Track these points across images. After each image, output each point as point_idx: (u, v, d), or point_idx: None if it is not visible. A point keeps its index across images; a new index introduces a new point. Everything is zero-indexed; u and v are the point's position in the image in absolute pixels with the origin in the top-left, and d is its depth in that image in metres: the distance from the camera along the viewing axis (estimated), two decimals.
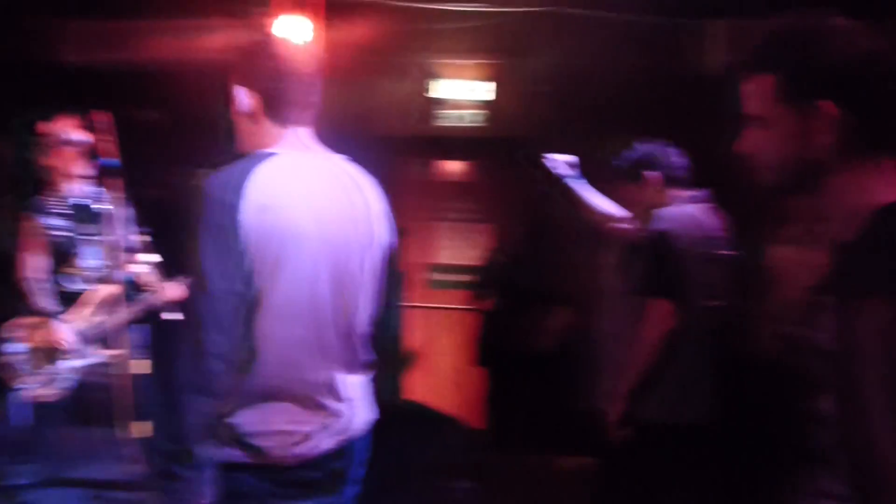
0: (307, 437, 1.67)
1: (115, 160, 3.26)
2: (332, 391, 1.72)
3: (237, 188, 1.58)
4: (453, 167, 5.47)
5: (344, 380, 1.75)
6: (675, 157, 2.82)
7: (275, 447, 1.64)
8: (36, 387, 3.46)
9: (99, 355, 3.53)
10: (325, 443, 1.70)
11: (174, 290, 3.48)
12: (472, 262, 5.14)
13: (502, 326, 4.62)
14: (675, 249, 2.56)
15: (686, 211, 2.70)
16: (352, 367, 1.79)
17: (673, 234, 2.58)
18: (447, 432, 3.93)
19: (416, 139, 4.96)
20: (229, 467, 1.64)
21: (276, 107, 1.74)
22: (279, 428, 1.64)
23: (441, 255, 5.39)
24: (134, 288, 3.53)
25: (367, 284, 1.81)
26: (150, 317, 3.59)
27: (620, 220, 2.90)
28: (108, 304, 3.52)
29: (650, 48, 4.24)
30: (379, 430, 1.86)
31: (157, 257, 3.60)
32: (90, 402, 3.59)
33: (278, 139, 1.75)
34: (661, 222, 2.62)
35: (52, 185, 3.56)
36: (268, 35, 1.85)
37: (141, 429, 3.44)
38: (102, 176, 3.30)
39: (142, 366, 3.52)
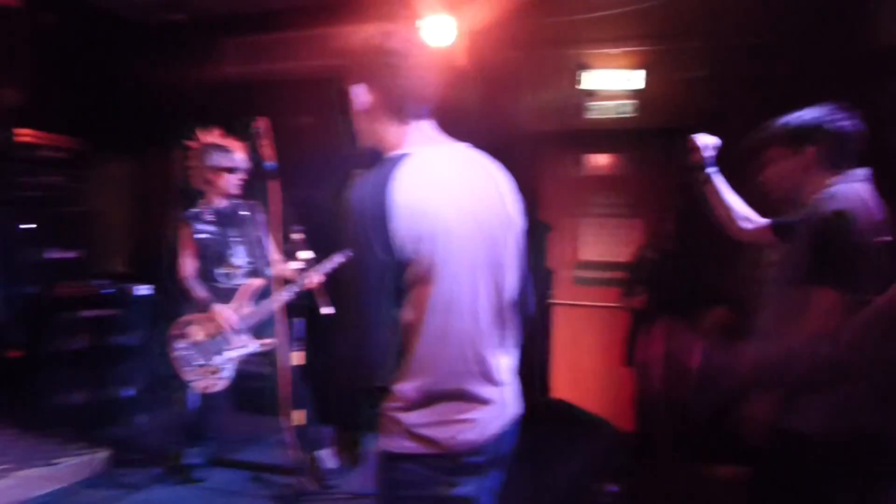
0: (473, 424, 1.68)
1: (273, 163, 3.42)
2: (492, 377, 1.73)
3: (382, 197, 1.56)
4: (602, 160, 5.30)
5: (499, 365, 1.76)
6: (847, 124, 2.43)
7: (445, 436, 1.64)
8: (203, 377, 3.67)
9: (256, 345, 3.72)
10: (489, 428, 1.71)
11: (315, 278, 3.59)
12: (621, 259, 5.00)
13: (652, 325, 4.43)
14: (850, 232, 2.24)
15: (856, 190, 2.36)
16: (505, 352, 1.80)
17: (848, 214, 2.25)
18: (594, 434, 3.88)
19: (564, 133, 4.88)
20: (398, 458, 1.65)
21: (395, 102, 1.71)
22: (448, 418, 1.65)
23: (589, 252, 5.23)
24: (283, 281, 3.69)
25: (513, 269, 1.80)
26: (305, 311, 3.72)
27: (752, 222, 2.70)
28: (260, 296, 3.73)
29: (819, 21, 3.90)
30: (525, 427, 1.87)
31: (310, 253, 3.72)
32: (250, 390, 3.84)
33: (404, 136, 1.72)
34: (834, 201, 2.29)
35: (207, 197, 3.84)
36: (385, 31, 1.72)
37: (297, 416, 3.58)
38: (261, 178, 3.43)
39: (297, 357, 3.66)
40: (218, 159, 3.78)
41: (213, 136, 3.84)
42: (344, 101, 1.77)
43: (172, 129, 3.97)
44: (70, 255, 5.43)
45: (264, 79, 5.21)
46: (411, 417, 1.64)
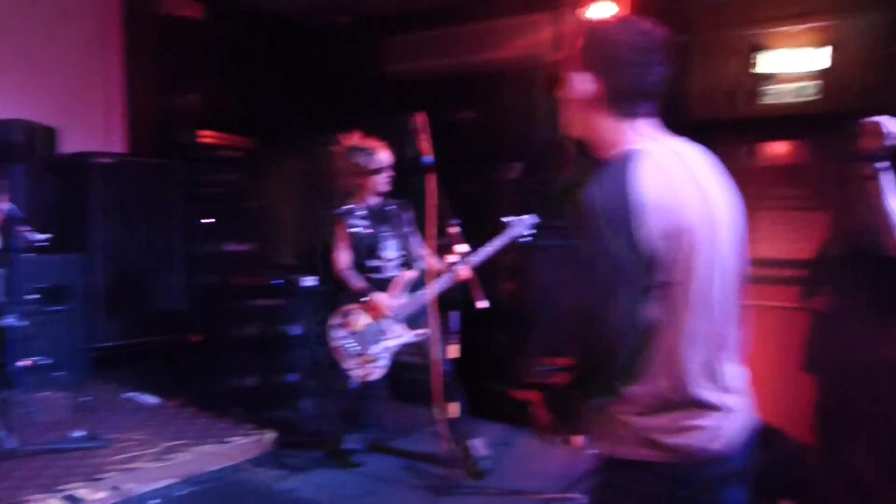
0: (710, 431, 1.61)
1: (430, 157, 3.52)
2: (726, 383, 1.66)
3: (625, 194, 1.51)
4: (779, 149, 4.88)
5: (732, 370, 1.70)
6: None
7: (680, 444, 1.58)
8: (361, 366, 3.78)
9: (411, 335, 3.81)
10: (726, 438, 1.64)
11: (464, 271, 3.67)
12: (800, 256, 4.63)
13: (837, 329, 4.08)
14: None
15: None
16: (739, 357, 1.73)
17: None
18: (770, 444, 3.68)
19: (737, 120, 4.66)
20: (627, 465, 1.59)
21: (623, 97, 1.63)
22: (684, 424, 1.59)
23: (764, 248, 4.84)
24: (435, 274, 3.78)
25: (739, 267, 1.74)
26: (460, 304, 3.84)
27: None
28: (412, 288, 3.83)
29: None
30: None
31: (466, 247, 3.79)
32: (405, 380, 3.94)
33: (625, 131, 1.65)
34: None
35: (358, 196, 3.98)
36: (618, 17, 1.68)
37: (450, 409, 3.65)
38: (418, 172, 3.53)
39: (452, 350, 3.75)
40: (362, 161, 3.89)
41: (354, 139, 3.95)
42: (557, 85, 1.71)
43: (336, 128, 4.11)
44: (244, 248, 5.77)
45: (425, 75, 5.36)
46: (646, 422, 1.58)
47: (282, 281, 5.09)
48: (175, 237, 5.59)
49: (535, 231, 3.80)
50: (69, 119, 5.37)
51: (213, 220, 5.70)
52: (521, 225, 3.76)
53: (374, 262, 3.93)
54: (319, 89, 5.80)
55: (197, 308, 5.50)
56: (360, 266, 3.93)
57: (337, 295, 3.95)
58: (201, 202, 5.65)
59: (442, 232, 3.77)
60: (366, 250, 3.92)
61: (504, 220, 3.77)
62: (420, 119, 3.55)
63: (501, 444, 4.07)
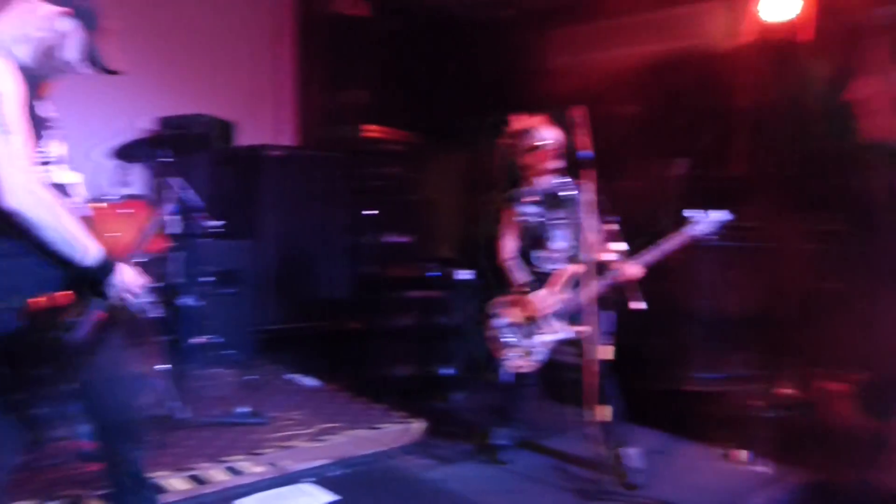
0: None
1: (588, 152, 3.42)
2: None
3: None
4: None
5: None
6: None
7: None
8: (515, 357, 3.75)
9: (568, 332, 3.73)
10: None
11: (633, 269, 3.55)
12: None
13: None
14: None
15: None
16: None
17: None
18: None
19: None
20: None
21: None
22: None
23: None
24: (598, 269, 3.66)
25: None
26: (616, 304, 3.70)
27: None
28: (576, 283, 3.73)
29: None
30: None
31: (623, 245, 3.68)
32: (559, 378, 3.79)
33: None
34: None
35: (527, 178, 3.93)
36: None
37: (602, 412, 3.54)
38: (577, 167, 3.45)
39: (605, 351, 3.59)
40: (529, 139, 3.86)
41: (521, 120, 3.96)
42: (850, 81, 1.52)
43: (498, 121, 4.14)
44: (403, 239, 5.90)
45: (586, 68, 5.28)
46: None
47: (439, 273, 5.16)
48: (339, 227, 5.81)
49: (721, 230, 3.62)
50: (245, 113, 5.65)
51: (375, 211, 5.88)
52: (705, 222, 3.57)
53: (541, 253, 3.88)
54: (482, 83, 5.82)
55: (357, 296, 5.63)
56: (525, 256, 3.89)
57: (496, 286, 3.92)
58: (365, 194, 5.85)
59: (594, 226, 3.69)
60: (533, 239, 3.88)
61: (686, 214, 3.61)
62: (578, 113, 3.46)
63: (656, 453, 3.96)
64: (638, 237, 3.73)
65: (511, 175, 3.97)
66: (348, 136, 5.93)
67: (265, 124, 5.94)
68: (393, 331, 5.05)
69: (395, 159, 5.96)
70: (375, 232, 5.85)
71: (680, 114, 4.88)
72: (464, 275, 5.15)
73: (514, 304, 3.81)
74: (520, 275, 3.82)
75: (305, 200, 5.62)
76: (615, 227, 3.67)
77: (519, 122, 3.95)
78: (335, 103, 6.10)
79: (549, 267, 3.85)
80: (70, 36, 2.20)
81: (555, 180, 3.88)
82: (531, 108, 4.03)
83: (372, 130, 5.90)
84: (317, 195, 5.68)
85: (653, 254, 3.62)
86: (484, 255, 4.27)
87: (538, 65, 5.58)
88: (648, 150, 4.96)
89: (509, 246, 3.90)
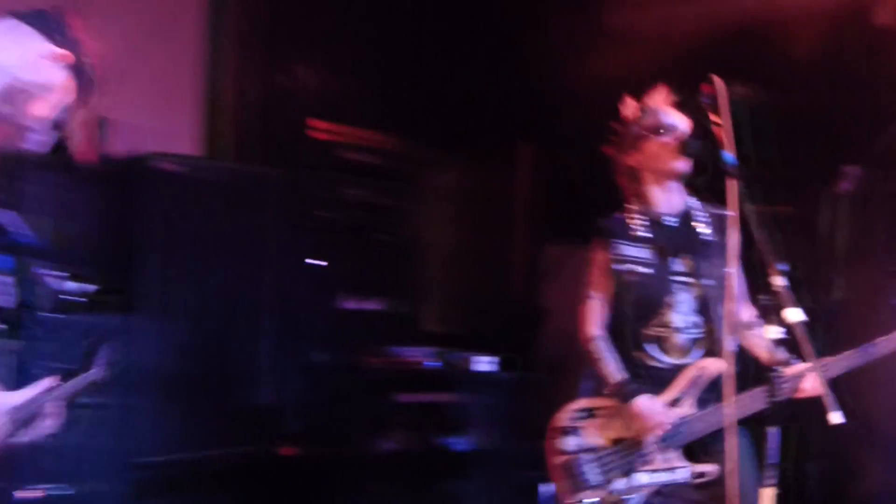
0: None
1: (732, 155, 3.21)
2: None
3: None
4: None
5: None
6: None
7: None
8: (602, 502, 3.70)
9: (687, 473, 3.67)
10: None
11: (814, 383, 3.41)
12: None
13: None
14: None
15: None
16: None
17: None
18: None
19: None
20: None
21: None
22: None
23: None
24: (756, 366, 3.62)
25: None
26: (778, 417, 3.30)
27: None
28: (711, 388, 3.64)
29: None
30: None
31: (800, 313, 3.19)
32: None
33: None
34: None
35: (631, 196, 3.88)
36: None
37: None
38: (716, 180, 3.32)
39: (766, 496, 3.19)
40: (657, 121, 3.79)
41: (655, 98, 3.87)
42: None
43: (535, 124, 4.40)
44: (379, 306, 5.74)
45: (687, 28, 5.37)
46: None
47: (442, 362, 5.22)
48: (268, 287, 5.42)
49: None
50: (121, 106, 5.12)
51: (325, 261, 5.62)
52: None
53: (653, 331, 3.76)
54: (514, 58, 5.87)
55: (298, 403, 5.39)
56: (622, 335, 3.79)
57: (572, 374, 3.95)
58: (312, 233, 5.60)
59: (761, 285, 3.39)
60: (639, 307, 3.78)
61: None
62: (714, 89, 3.22)
63: None
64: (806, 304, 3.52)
65: (604, 190, 3.95)
66: (286, 139, 5.82)
67: (156, 121, 5.66)
68: (367, 461, 5.00)
69: (364, 176, 5.86)
70: (329, 293, 5.62)
71: (844, 100, 4.97)
72: (485, 363, 5.21)
73: (601, 416, 3.77)
74: (613, 367, 3.74)
75: (215, 244, 5.20)
76: (785, 280, 3.23)
77: (652, 99, 3.89)
78: (266, 90, 6.01)
79: (665, 358, 3.75)
80: None
81: (684, 202, 3.86)
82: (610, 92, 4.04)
83: (326, 131, 5.74)
84: (232, 234, 5.29)
85: (855, 358, 3.58)
86: (532, 331, 4.75)
87: (611, 22, 5.58)
88: (795, 153, 5.11)
89: (596, 316, 3.83)
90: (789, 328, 3.22)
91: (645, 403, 3.63)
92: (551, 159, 5.99)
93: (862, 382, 3.85)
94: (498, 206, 6.07)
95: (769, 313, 3.27)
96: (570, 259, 4.94)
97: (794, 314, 3.14)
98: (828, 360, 3.52)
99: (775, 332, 3.19)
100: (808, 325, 3.25)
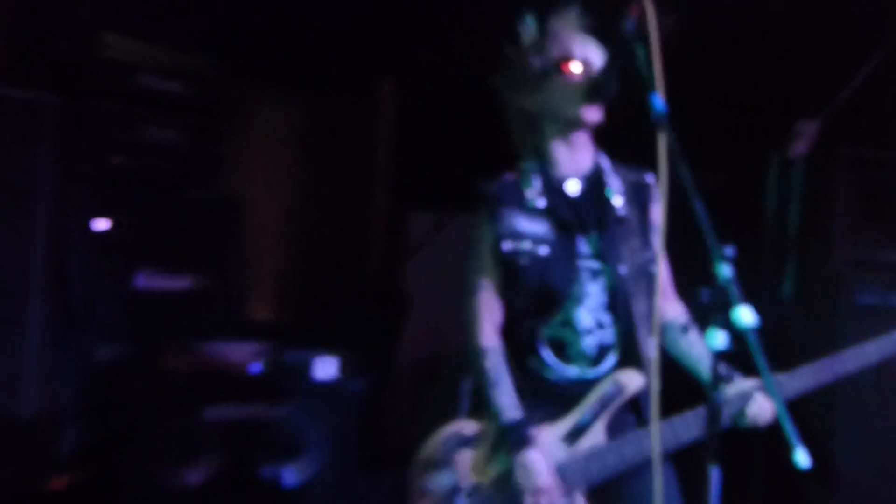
0: None
1: (662, 101, 3.13)
2: None
3: None
4: None
5: None
6: None
7: None
8: None
9: None
10: None
11: (765, 406, 3.57)
12: None
13: None
14: None
15: None
16: None
17: None
18: None
19: None
20: None
21: None
22: None
23: None
24: (687, 383, 3.63)
25: None
26: (718, 451, 3.15)
27: None
28: (632, 410, 3.70)
29: None
30: None
31: (751, 314, 3.05)
32: None
33: None
34: None
35: (526, 151, 3.86)
36: None
37: None
38: (641, 131, 3.20)
39: None
40: (563, 51, 3.72)
41: (562, 22, 3.77)
42: None
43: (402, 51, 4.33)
44: (188, 285, 5.65)
45: None
46: None
47: (270, 363, 5.16)
48: (35, 256, 5.30)
49: None
50: None
51: (116, 223, 5.48)
52: None
53: (553, 333, 3.72)
54: None
55: (74, 417, 5.26)
56: (515, 341, 3.73)
57: (432, 395, 4.24)
58: (98, 184, 5.47)
59: (694, 275, 3.39)
60: (536, 301, 3.71)
61: None
62: (642, 10, 3.18)
63: None
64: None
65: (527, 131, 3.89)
66: (61, 58, 5.62)
67: None
68: (167, 496, 4.92)
69: (178, 113, 5.70)
70: (119, 269, 5.43)
71: (801, 37, 5.19)
72: (328, 366, 5.20)
73: (483, 445, 3.71)
74: (507, 400, 3.65)
75: None
76: (730, 274, 3.14)
77: (529, 25, 3.86)
78: None
79: (566, 369, 3.72)
80: None
81: (594, 161, 3.84)
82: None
83: (123, 48, 5.51)
84: None
85: (815, 375, 3.64)
86: (394, 324, 4.81)
87: None
88: (744, 105, 5.27)
89: (490, 316, 3.76)
90: (736, 334, 3.06)
91: (534, 462, 3.56)
92: (421, 99, 5.92)
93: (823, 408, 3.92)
94: (351, 158, 6.13)
95: (708, 314, 3.10)
96: (444, 231, 4.87)
97: (744, 315, 2.96)
98: (781, 376, 3.55)
99: (718, 338, 3.04)
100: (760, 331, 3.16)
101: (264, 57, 6.03)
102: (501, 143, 3.92)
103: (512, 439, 3.60)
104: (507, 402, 3.63)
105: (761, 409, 3.57)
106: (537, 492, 3.56)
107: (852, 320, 4.51)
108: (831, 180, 5.21)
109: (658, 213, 3.77)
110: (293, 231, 6.33)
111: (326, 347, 5.28)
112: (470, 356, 3.78)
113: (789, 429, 3.04)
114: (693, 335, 3.73)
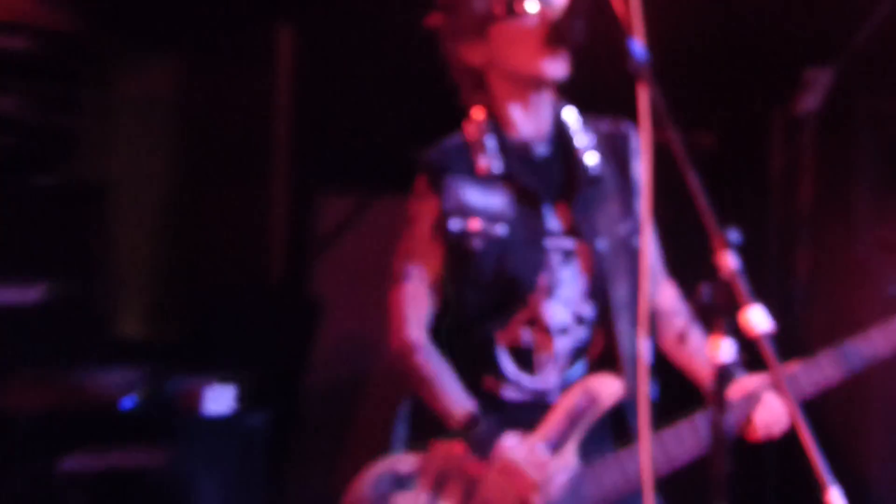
0: None
1: (641, 45, 3.06)
2: None
3: None
4: None
5: None
6: None
7: None
8: None
9: None
10: None
11: (778, 409, 3.51)
12: None
13: None
14: None
15: None
16: None
17: None
18: None
19: None
20: None
21: None
22: None
23: None
24: (682, 387, 3.66)
25: None
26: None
27: None
28: (601, 428, 3.65)
29: None
30: None
31: (764, 316, 2.84)
32: None
33: None
34: None
35: (475, 111, 3.77)
36: None
37: None
38: (615, 82, 3.10)
39: None
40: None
41: None
42: None
43: None
44: (33, 294, 5.54)
45: None
46: None
47: (135, 399, 5.16)
48: None
49: None
50: None
51: None
52: None
53: (516, 335, 3.64)
54: None
55: None
56: (462, 344, 3.67)
57: (357, 425, 4.28)
58: None
59: (689, 263, 3.39)
60: (490, 293, 3.65)
61: None
62: None
63: None
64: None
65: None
66: None
67: None
68: None
69: (23, 79, 5.75)
70: None
71: None
72: (225, 397, 5.23)
73: (426, 483, 3.64)
74: (450, 392, 3.62)
75: None
76: (733, 260, 2.88)
77: None
78: None
79: (529, 380, 3.66)
80: None
81: (558, 118, 3.78)
82: None
83: None
84: None
85: (835, 365, 3.58)
86: (303, 339, 4.87)
87: None
88: (740, 53, 5.38)
89: (417, 308, 3.70)
90: (746, 340, 2.83)
91: (514, 451, 3.46)
92: (334, 53, 5.81)
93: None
94: (242, 130, 6.14)
95: (711, 317, 2.85)
96: (363, 219, 4.89)
97: (757, 318, 2.84)
98: (795, 367, 3.50)
99: (724, 349, 2.75)
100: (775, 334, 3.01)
101: (129, 5, 5.80)
102: (438, 106, 3.81)
103: (474, 436, 3.52)
104: (455, 394, 3.55)
105: (773, 414, 3.51)
106: (534, 488, 3.50)
107: (881, 316, 4.43)
108: (849, 142, 5.27)
109: (641, 170, 3.52)
110: (172, 225, 6.20)
111: (219, 372, 5.21)
112: (393, 358, 3.69)
113: (815, 453, 3.22)
114: (692, 342, 3.63)
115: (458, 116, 4.07)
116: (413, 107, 4.27)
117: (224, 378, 5.29)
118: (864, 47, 5.26)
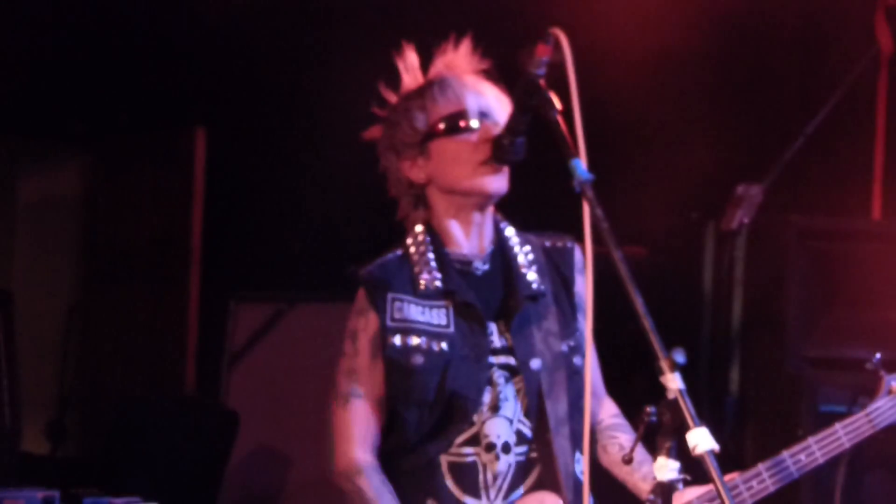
0: None
1: (583, 164, 3.15)
2: None
3: None
4: None
5: None
6: None
7: None
8: None
9: None
10: None
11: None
12: None
13: None
14: None
15: None
16: None
17: None
18: None
19: None
20: None
21: None
22: None
23: None
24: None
25: None
26: None
27: None
28: None
29: None
30: None
31: (708, 437, 2.89)
32: None
33: None
34: None
35: (414, 225, 3.94)
36: None
37: None
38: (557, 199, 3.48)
39: None
40: (462, 108, 3.79)
41: (453, 63, 3.92)
42: None
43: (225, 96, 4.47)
44: None
45: None
46: None
47: None
48: None
49: None
50: None
51: None
52: None
53: (458, 457, 3.75)
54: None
55: None
56: (403, 468, 3.78)
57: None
58: None
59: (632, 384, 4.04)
60: (434, 413, 3.75)
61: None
62: (555, 48, 3.20)
63: None
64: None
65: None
66: None
67: None
68: None
69: None
70: None
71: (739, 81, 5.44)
72: None
73: None
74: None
75: None
76: (680, 385, 2.98)
77: (413, 68, 3.93)
78: None
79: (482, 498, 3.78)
80: None
81: (498, 234, 3.94)
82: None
83: None
84: None
85: (774, 477, 3.76)
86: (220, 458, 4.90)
87: None
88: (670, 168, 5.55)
89: (362, 429, 3.80)
90: (691, 460, 2.96)
91: None
92: (244, 152, 5.91)
93: None
94: (154, 232, 5.97)
95: (659, 438, 2.99)
96: (279, 326, 4.95)
97: (702, 440, 2.88)
98: (735, 477, 3.59)
99: (669, 469, 2.93)
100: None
101: (35, 104, 5.84)
102: (384, 215, 3.99)
103: None
104: None
105: None
106: None
107: (816, 431, 4.54)
108: (781, 256, 5.29)
109: (584, 286, 3.65)
110: (79, 334, 6.13)
111: (127, 492, 4.81)
112: (338, 479, 3.74)
113: None
114: (635, 457, 3.36)
115: (371, 222, 4.21)
116: (328, 214, 4.37)
117: (143, 496, 4.78)
118: (791, 166, 5.39)
